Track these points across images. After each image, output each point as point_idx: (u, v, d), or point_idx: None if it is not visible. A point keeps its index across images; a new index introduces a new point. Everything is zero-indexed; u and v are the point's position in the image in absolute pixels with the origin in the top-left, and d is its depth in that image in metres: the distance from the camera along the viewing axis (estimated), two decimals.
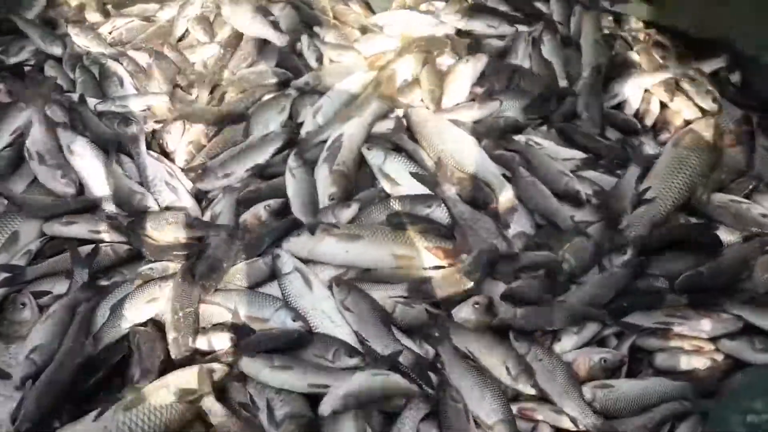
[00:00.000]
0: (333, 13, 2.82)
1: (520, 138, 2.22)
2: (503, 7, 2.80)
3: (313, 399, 1.68)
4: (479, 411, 1.62)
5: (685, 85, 2.37)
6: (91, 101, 2.43)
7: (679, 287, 1.85)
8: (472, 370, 1.69)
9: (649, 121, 2.30)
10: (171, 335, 1.78)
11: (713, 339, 1.78)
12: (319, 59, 2.55)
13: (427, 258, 1.91)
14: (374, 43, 2.64)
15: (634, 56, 2.47)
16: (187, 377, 1.66)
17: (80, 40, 2.66)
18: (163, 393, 1.63)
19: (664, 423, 1.65)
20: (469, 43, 2.65)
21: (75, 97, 2.43)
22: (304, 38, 2.61)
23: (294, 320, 1.79)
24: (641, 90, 2.38)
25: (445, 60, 2.59)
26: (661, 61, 2.45)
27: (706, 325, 1.78)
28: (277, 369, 1.67)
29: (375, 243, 1.92)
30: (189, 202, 2.16)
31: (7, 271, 1.96)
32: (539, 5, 2.80)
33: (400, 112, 2.37)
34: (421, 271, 1.90)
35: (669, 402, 1.67)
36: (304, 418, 1.63)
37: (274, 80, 2.51)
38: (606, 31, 2.61)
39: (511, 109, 2.36)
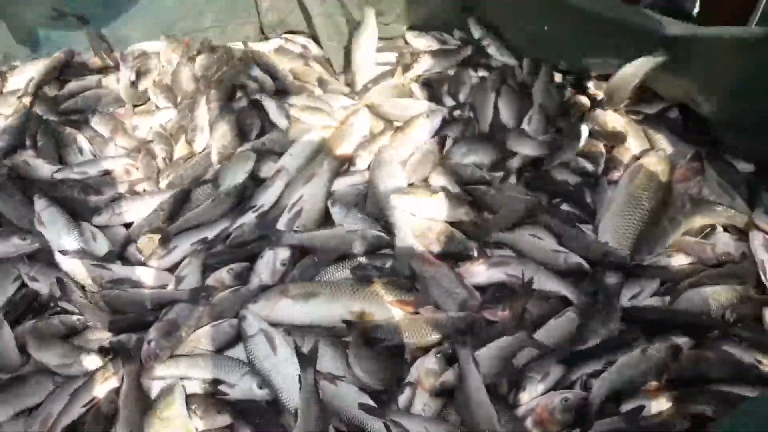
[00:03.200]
0: (293, 74, 2.87)
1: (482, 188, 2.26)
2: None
3: None
4: None
5: (633, 124, 2.44)
6: (50, 168, 2.45)
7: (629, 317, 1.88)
8: None
9: (598, 161, 2.33)
10: None
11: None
12: (287, 118, 2.59)
13: (385, 312, 1.91)
14: (341, 101, 2.70)
15: (582, 100, 2.54)
16: None
17: (39, 109, 2.69)
18: None
19: None
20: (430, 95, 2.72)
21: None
22: (269, 102, 2.64)
23: (260, 387, 1.78)
24: (588, 131, 2.42)
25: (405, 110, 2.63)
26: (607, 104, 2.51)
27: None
28: None
29: (332, 300, 1.92)
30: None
31: None
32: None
33: (360, 164, 2.41)
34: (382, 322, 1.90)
35: None
36: None
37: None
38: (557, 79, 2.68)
39: (473, 155, 2.41)
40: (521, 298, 1.90)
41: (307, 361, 1.76)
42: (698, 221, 2.13)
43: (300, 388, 1.73)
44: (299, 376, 1.75)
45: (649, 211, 2.12)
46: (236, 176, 2.38)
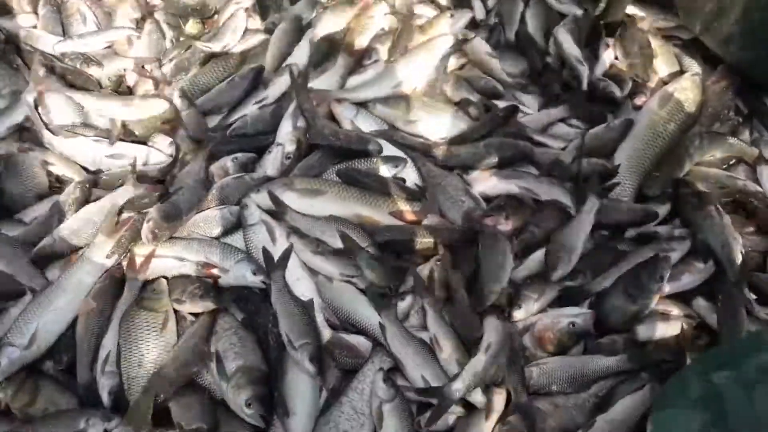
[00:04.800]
0: None
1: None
2: None
3: (267, 351, 1.67)
4: (425, 374, 1.62)
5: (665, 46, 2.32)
6: (52, 39, 2.36)
7: None
8: (413, 339, 1.67)
9: (625, 84, 2.22)
10: None
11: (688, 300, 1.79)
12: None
13: (390, 218, 1.87)
14: None
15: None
16: None
17: None
18: None
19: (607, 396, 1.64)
20: None
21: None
22: None
23: (254, 273, 1.77)
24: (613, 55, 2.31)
25: (426, 11, 2.50)
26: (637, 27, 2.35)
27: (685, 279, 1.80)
28: None
29: (339, 201, 1.88)
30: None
31: None
32: None
33: (375, 58, 2.29)
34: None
35: (608, 377, 1.66)
36: (257, 372, 1.61)
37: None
38: None
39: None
40: (525, 210, 1.87)
41: (276, 266, 1.76)
42: (710, 153, 2.07)
43: (271, 293, 1.73)
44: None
45: (671, 141, 2.05)
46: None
